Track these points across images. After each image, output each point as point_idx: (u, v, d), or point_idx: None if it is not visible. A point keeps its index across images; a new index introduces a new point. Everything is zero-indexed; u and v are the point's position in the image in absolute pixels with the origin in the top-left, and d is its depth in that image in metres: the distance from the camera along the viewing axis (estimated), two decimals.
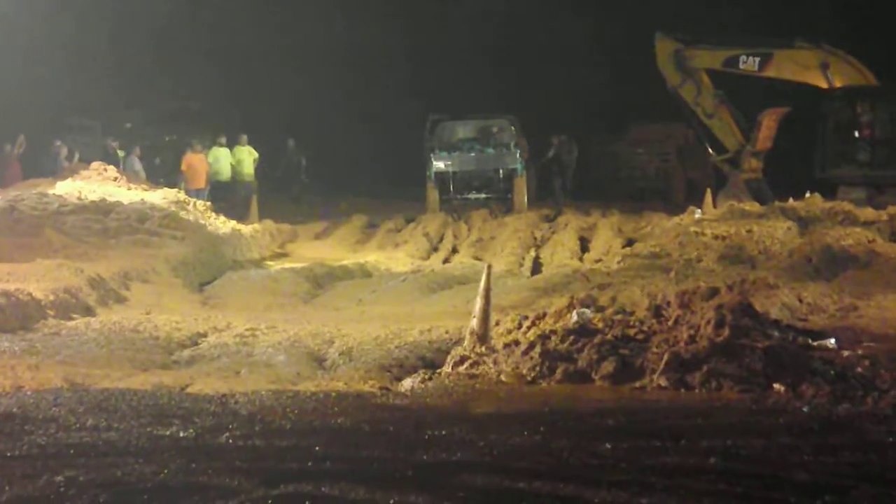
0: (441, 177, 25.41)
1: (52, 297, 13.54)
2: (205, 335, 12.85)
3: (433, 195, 25.51)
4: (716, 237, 18.70)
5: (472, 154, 25.74)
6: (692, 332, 9.15)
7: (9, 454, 6.45)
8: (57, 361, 10.61)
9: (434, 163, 25.42)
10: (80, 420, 7.33)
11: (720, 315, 9.18)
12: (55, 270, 15.07)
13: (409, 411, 7.90)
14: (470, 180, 25.50)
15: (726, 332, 9.00)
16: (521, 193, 25.32)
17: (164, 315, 13.96)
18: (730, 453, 6.46)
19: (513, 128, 26.74)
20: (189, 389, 9.41)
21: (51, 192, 21.39)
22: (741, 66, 26.28)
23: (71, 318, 13.38)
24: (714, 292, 9.87)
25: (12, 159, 26.43)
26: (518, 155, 25.74)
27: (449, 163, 25.39)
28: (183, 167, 27.47)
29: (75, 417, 7.40)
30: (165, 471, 6.02)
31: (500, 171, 25.54)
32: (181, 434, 7.00)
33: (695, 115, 27.49)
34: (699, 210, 23.14)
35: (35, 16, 30.32)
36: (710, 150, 27.81)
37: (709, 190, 25.69)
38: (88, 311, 14.05)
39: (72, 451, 6.50)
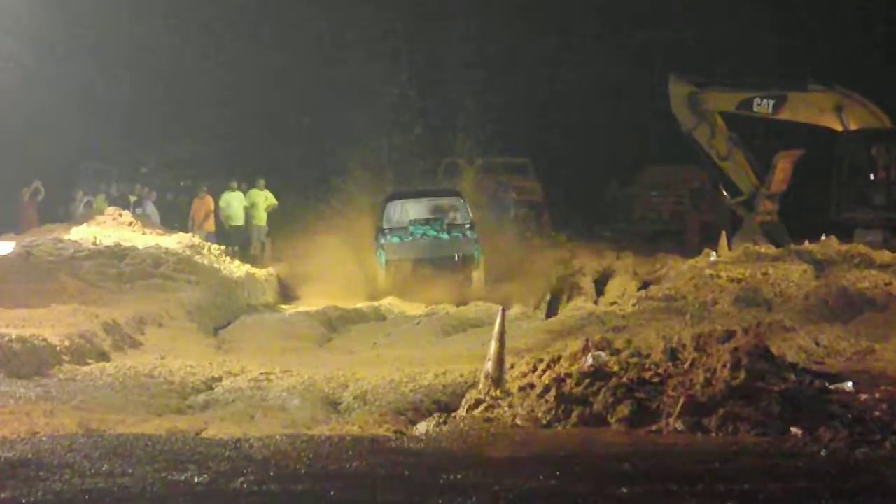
0: (394, 264, 22.57)
1: (67, 343, 13.55)
2: (219, 379, 12.84)
3: (387, 281, 22.40)
4: (731, 280, 18.65)
5: (427, 239, 22.99)
6: (708, 375, 9.11)
7: (24, 500, 6.45)
8: (72, 407, 10.60)
9: (386, 249, 22.55)
10: (96, 466, 7.32)
11: (736, 358, 9.14)
12: (70, 316, 15.09)
13: (424, 455, 7.87)
14: (424, 266, 22.59)
15: (742, 375, 8.97)
16: (480, 280, 22.45)
17: (179, 359, 13.96)
18: (747, 498, 6.42)
19: (467, 206, 23.82)
20: (204, 434, 9.40)
21: (66, 237, 21.49)
22: (755, 108, 26.30)
23: (86, 364, 13.38)
24: (730, 335, 9.83)
25: (28, 205, 26.59)
26: (474, 239, 22.89)
27: (402, 250, 22.70)
28: (192, 212, 27.60)
29: (90, 463, 7.39)
30: None
31: (457, 257, 22.76)
32: (196, 479, 6.99)
33: (709, 157, 27.50)
34: (714, 253, 23.09)
35: (50, 61, 30.58)
36: (724, 193, 27.79)
37: (724, 232, 25.64)
38: (103, 357, 14.05)
39: (87, 497, 6.49)
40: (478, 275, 22.52)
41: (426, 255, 22.68)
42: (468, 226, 23.17)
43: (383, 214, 23.28)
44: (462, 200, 23.93)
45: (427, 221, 23.29)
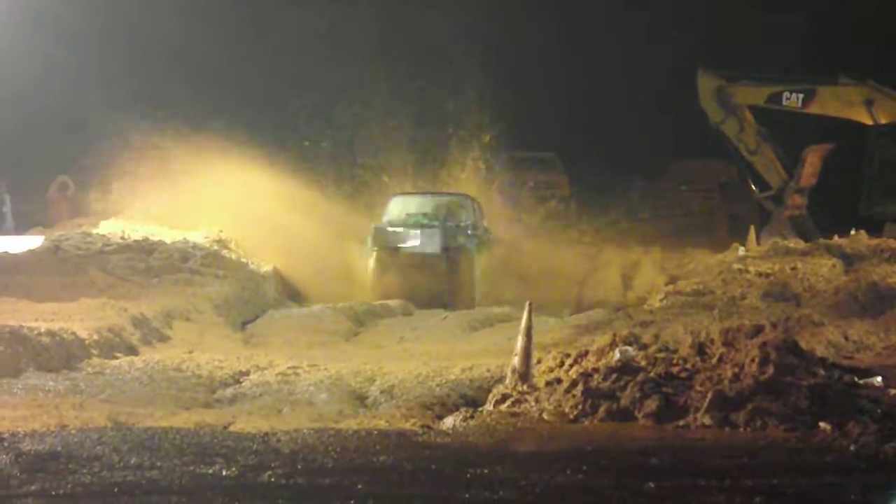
0: (381, 256, 20.80)
1: (95, 337, 13.61)
2: (247, 373, 12.87)
3: (374, 275, 20.69)
4: (759, 274, 18.57)
5: (418, 232, 21.11)
6: (736, 370, 9.09)
7: (53, 493, 6.49)
8: (101, 400, 10.66)
9: (374, 239, 20.90)
10: (124, 459, 7.36)
11: (765, 353, 9.11)
12: (99, 310, 15.16)
13: (450, 449, 7.88)
14: (413, 261, 20.75)
15: (771, 370, 8.93)
16: (470, 283, 20.69)
17: (207, 353, 13.99)
18: (775, 492, 6.40)
19: (474, 207, 22.54)
20: (231, 428, 9.42)
21: (94, 231, 21.58)
22: (784, 102, 26.16)
23: (115, 357, 13.44)
24: (758, 330, 9.79)
25: (56, 199, 26.70)
26: (474, 238, 21.43)
27: (390, 240, 20.94)
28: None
29: (119, 456, 7.43)
30: None
31: (448, 253, 20.89)
32: (224, 472, 7.02)
33: (738, 151, 27.38)
34: (742, 247, 22.99)
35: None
36: (753, 187, 27.67)
37: (752, 227, 25.52)
38: (132, 350, 14.11)
39: (116, 490, 6.53)
40: (469, 276, 20.78)
41: (415, 248, 20.80)
42: (470, 224, 21.72)
43: (384, 211, 22.32)
44: (469, 200, 22.90)
45: (425, 216, 21.78)
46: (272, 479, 6.82)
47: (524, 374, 9.88)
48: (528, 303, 10.68)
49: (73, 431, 8.52)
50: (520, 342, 10.07)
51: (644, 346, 10.25)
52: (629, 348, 9.93)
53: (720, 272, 19.11)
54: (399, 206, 22.45)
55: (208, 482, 6.77)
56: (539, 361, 10.41)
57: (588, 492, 6.48)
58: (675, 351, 9.92)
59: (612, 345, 10.08)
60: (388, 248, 20.86)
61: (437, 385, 11.46)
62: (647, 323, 15.13)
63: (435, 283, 20.39)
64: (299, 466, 7.18)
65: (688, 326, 13.77)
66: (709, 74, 27.52)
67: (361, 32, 32.24)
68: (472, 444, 8.14)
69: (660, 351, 9.96)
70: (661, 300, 17.77)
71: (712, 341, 9.79)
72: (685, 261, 24.58)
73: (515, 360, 10.00)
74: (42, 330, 12.82)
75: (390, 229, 21.17)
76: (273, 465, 7.19)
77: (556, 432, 8.54)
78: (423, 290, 20.13)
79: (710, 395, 8.70)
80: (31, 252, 20.01)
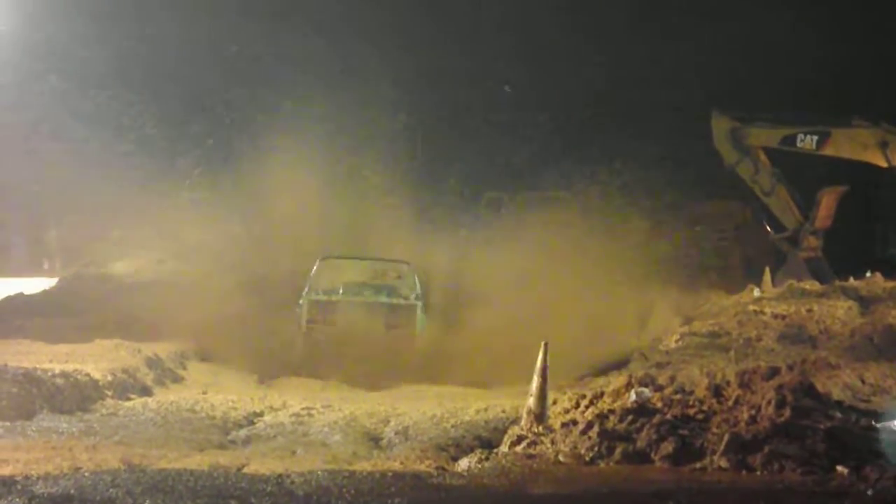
0: (315, 327, 18.21)
1: (109, 378, 13.62)
2: (261, 415, 12.85)
3: (304, 348, 18.02)
4: (775, 316, 18.51)
5: (357, 302, 18.64)
6: (753, 412, 9.04)
7: None
8: (114, 442, 10.64)
9: (306, 309, 18.35)
10: (138, 501, 7.34)
11: (781, 395, 9.07)
12: (113, 350, 15.19)
13: (466, 491, 7.84)
14: (350, 333, 17.88)
15: (787, 412, 8.89)
16: (413, 351, 18.08)
17: (221, 394, 13.99)
18: None
19: (415, 275, 19.74)
20: (246, 469, 9.39)
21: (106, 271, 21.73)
22: (799, 144, 26.15)
23: (128, 399, 13.44)
24: (774, 372, 9.76)
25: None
26: (415, 308, 18.70)
27: (325, 311, 18.41)
28: None
29: (133, 499, 7.41)
30: None
31: (390, 324, 18.37)
32: None
33: (752, 193, 27.38)
34: (758, 289, 22.92)
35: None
36: (768, 228, 27.63)
37: (767, 269, 25.45)
38: (146, 391, 14.12)
39: None
40: (411, 347, 18.10)
41: (353, 319, 18.18)
42: (413, 295, 19.03)
43: (312, 274, 19.21)
44: (409, 268, 19.90)
45: (363, 284, 19.46)
46: None
47: (540, 416, 9.85)
48: (543, 342, 10.64)
49: (86, 474, 8.50)
50: (535, 382, 10.04)
51: (660, 388, 10.21)
52: (645, 390, 9.89)
53: (736, 314, 19.06)
54: (329, 272, 19.63)
55: None
56: (555, 402, 10.38)
57: None
58: (692, 393, 9.88)
59: (628, 386, 10.05)
60: (319, 317, 18.28)
61: (452, 426, 11.43)
62: (663, 364, 15.08)
63: (374, 357, 17.37)
64: None
65: (704, 368, 13.73)
66: (722, 116, 27.59)
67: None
68: (487, 486, 8.09)
69: (676, 392, 9.92)
70: (676, 341, 17.72)
71: (728, 383, 9.76)
72: (700, 302, 24.50)
73: (531, 401, 9.97)
74: (56, 371, 12.83)
75: (321, 296, 18.59)
76: None
77: (572, 474, 8.49)
78: (359, 367, 17.06)
79: (726, 438, 8.65)
80: (45, 293, 20.08)
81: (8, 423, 11.11)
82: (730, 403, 9.39)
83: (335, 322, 18.19)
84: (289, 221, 23.07)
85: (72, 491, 7.63)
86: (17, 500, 7.24)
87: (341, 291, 18.89)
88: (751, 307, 19.49)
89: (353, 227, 23.59)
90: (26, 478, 8.10)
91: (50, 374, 12.67)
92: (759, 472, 8.31)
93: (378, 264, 20.53)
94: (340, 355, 17.34)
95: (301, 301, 18.43)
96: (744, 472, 8.34)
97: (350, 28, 33.21)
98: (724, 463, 8.49)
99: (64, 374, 12.82)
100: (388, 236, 22.98)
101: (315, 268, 19.24)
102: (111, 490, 7.66)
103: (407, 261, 20.30)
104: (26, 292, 21.58)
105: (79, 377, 13.02)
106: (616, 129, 35.33)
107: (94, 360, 14.42)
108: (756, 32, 32.87)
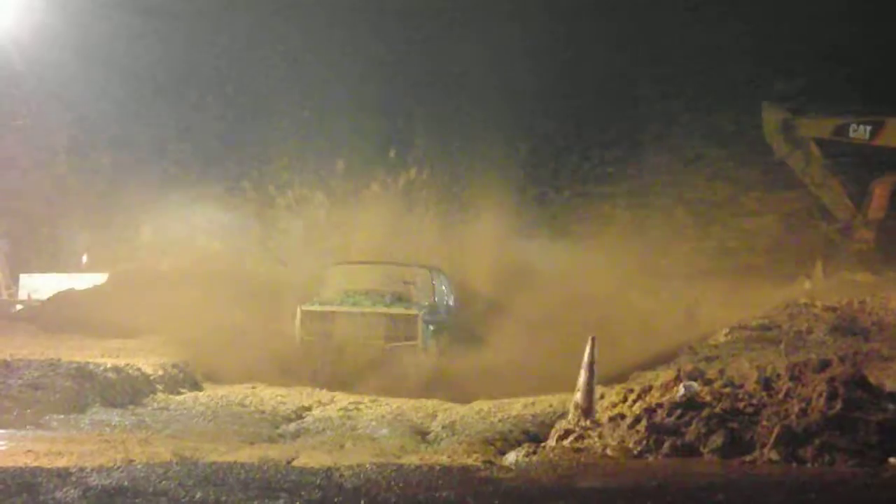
0: (311, 336, 16.62)
1: (160, 372, 13.76)
2: (309, 409, 12.93)
3: (300, 357, 16.31)
4: (827, 308, 18.35)
5: (358, 310, 16.92)
6: (803, 405, 8.97)
7: None
8: (166, 435, 10.74)
9: (302, 318, 16.74)
10: (190, 493, 7.40)
11: (832, 388, 8.99)
12: (163, 345, 15.32)
13: (513, 485, 7.83)
14: (349, 343, 16.37)
15: (839, 405, 8.81)
16: (422, 365, 16.15)
17: (270, 389, 14.08)
18: None
19: (433, 281, 18.34)
20: (295, 463, 9.45)
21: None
22: (851, 134, 25.91)
23: (179, 393, 13.58)
24: (826, 364, 9.67)
25: None
26: (425, 319, 16.92)
27: (322, 320, 16.80)
28: None
29: (185, 491, 7.47)
30: None
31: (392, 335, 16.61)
32: None
33: (804, 184, 27.16)
34: (809, 281, 22.73)
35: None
36: (820, 220, 27.39)
37: (819, 261, 25.23)
38: (196, 386, 14.24)
39: None
40: (418, 360, 16.31)
41: (349, 331, 16.60)
42: (424, 304, 17.41)
43: (321, 281, 18.02)
44: (428, 273, 18.43)
45: (368, 292, 17.48)
46: None
47: (587, 410, 9.83)
48: (591, 337, 10.61)
49: (139, 466, 8.59)
50: (582, 377, 10.02)
51: (709, 382, 10.15)
52: (694, 384, 9.84)
53: (786, 306, 18.91)
54: (338, 278, 18.17)
55: None
56: (602, 396, 10.35)
57: None
58: (741, 386, 9.82)
59: (677, 380, 10.00)
60: (315, 327, 16.72)
61: (499, 420, 11.43)
62: (712, 358, 14.99)
63: (376, 368, 15.87)
64: (362, 502, 7.17)
65: (753, 361, 13.60)
66: (774, 108, 27.38)
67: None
68: (535, 479, 8.09)
69: (725, 386, 9.86)
70: (725, 335, 17.60)
71: (779, 376, 9.68)
72: (750, 295, 24.33)
73: (578, 396, 9.95)
74: (108, 366, 12.99)
75: (320, 304, 17.10)
76: (336, 500, 7.19)
77: (620, 468, 8.47)
78: (360, 379, 15.46)
79: (776, 431, 8.60)
80: (95, 289, 20.29)
81: (62, 416, 11.26)
82: (780, 396, 9.32)
83: (331, 334, 16.61)
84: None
85: (125, 483, 7.71)
86: (72, 491, 7.33)
87: (340, 300, 17.20)
88: (802, 300, 19.34)
89: (396, 233, 22.02)
90: (80, 469, 8.20)
91: (102, 368, 12.83)
92: (810, 465, 8.25)
93: (393, 269, 18.46)
94: (337, 370, 15.73)
95: (300, 309, 16.85)
96: (794, 464, 8.29)
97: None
98: (774, 455, 8.44)
99: (116, 369, 12.96)
100: (432, 236, 22.41)
101: (328, 272, 18.18)
102: (163, 482, 7.73)
103: (427, 265, 18.79)
104: (77, 288, 21.86)
105: (130, 371, 13.17)
106: (659, 122, 35.17)
107: (145, 354, 14.59)
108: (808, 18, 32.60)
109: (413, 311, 16.94)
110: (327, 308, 16.96)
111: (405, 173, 24.34)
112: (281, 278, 20.25)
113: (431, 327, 17.11)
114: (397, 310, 16.96)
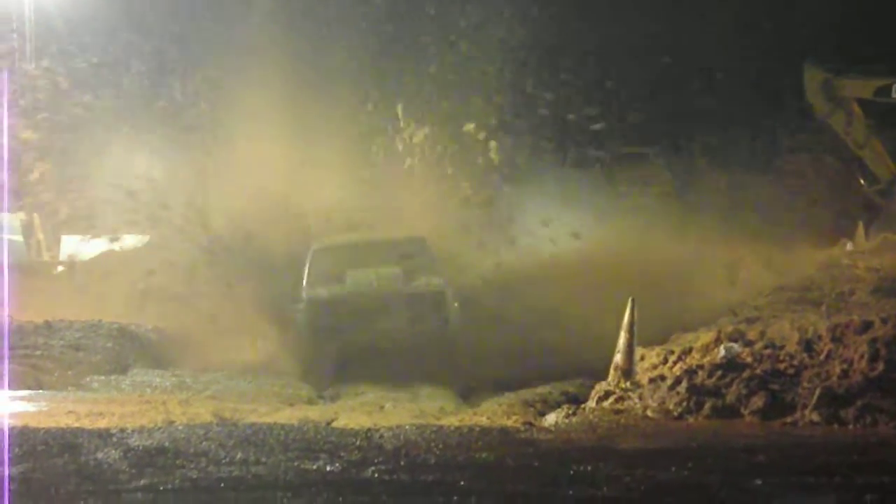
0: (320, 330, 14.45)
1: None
2: None
3: (310, 354, 14.26)
4: (869, 269, 18.19)
5: (371, 292, 14.72)
6: (845, 366, 8.92)
7: (161, 488, 6.57)
8: (206, 396, 10.83)
9: (308, 308, 14.69)
10: (230, 454, 7.44)
11: (874, 349, 8.92)
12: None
13: (553, 446, 7.83)
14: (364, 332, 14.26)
15: (881, 366, 8.75)
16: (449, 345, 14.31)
17: None
18: (887, 491, 6.23)
19: (430, 252, 15.81)
20: (335, 424, 9.50)
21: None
22: (894, 95, 25.60)
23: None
24: (868, 326, 9.59)
25: None
26: (442, 292, 14.85)
27: (332, 309, 14.62)
28: None
29: (225, 452, 7.51)
30: None
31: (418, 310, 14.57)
32: (328, 468, 7.05)
33: (845, 145, 26.88)
34: (851, 242, 22.54)
35: None
36: (861, 181, 27.12)
37: (860, 222, 25.01)
38: None
39: (222, 485, 6.59)
40: (445, 346, 14.24)
41: (368, 318, 14.39)
42: (440, 279, 15.19)
43: (307, 266, 15.36)
44: (424, 242, 15.98)
45: (373, 272, 15.07)
46: (375, 475, 6.84)
47: (627, 371, 9.80)
48: (630, 298, 10.56)
49: (180, 427, 8.65)
50: (622, 339, 9.99)
51: (750, 343, 10.10)
52: (734, 345, 9.80)
53: (828, 268, 18.77)
54: (328, 261, 15.52)
55: (313, 478, 6.81)
56: (642, 358, 10.31)
57: (694, 489, 6.38)
58: (782, 347, 9.76)
59: (717, 341, 9.96)
60: (325, 318, 14.55)
61: (539, 382, 11.42)
62: (753, 319, 14.90)
63: (398, 356, 13.77)
64: (402, 463, 7.18)
65: (794, 323, 13.50)
66: (815, 68, 27.05)
67: None
68: (574, 440, 8.08)
69: (766, 347, 9.81)
70: (766, 296, 17.50)
71: (820, 337, 9.62)
72: (791, 256, 24.16)
73: (618, 357, 9.92)
74: (149, 327, 13.06)
75: (324, 291, 14.88)
76: (376, 461, 7.21)
77: (660, 429, 8.45)
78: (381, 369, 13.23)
79: (818, 392, 8.55)
80: (136, 250, 20.40)
81: (103, 377, 11.38)
82: (821, 357, 9.27)
83: (345, 323, 14.41)
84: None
85: (166, 444, 7.76)
86: (113, 451, 7.39)
87: (348, 283, 14.81)
88: (843, 261, 19.20)
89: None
90: (122, 430, 8.28)
91: (143, 329, 12.91)
92: (851, 427, 8.20)
93: (385, 243, 16.08)
94: (357, 366, 13.57)
95: (300, 301, 14.83)
96: (836, 426, 8.24)
97: None
98: (815, 417, 8.39)
99: (157, 330, 13.05)
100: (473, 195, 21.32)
101: (309, 258, 15.44)
102: (204, 443, 7.78)
103: (420, 236, 16.25)
104: (117, 249, 21.96)
105: (171, 332, 13.25)
106: (701, 84, 34.88)
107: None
108: None
109: (439, 287, 14.75)
110: (338, 292, 14.65)
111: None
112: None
113: (456, 304, 15.01)
114: (418, 287, 14.75)
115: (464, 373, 13.35)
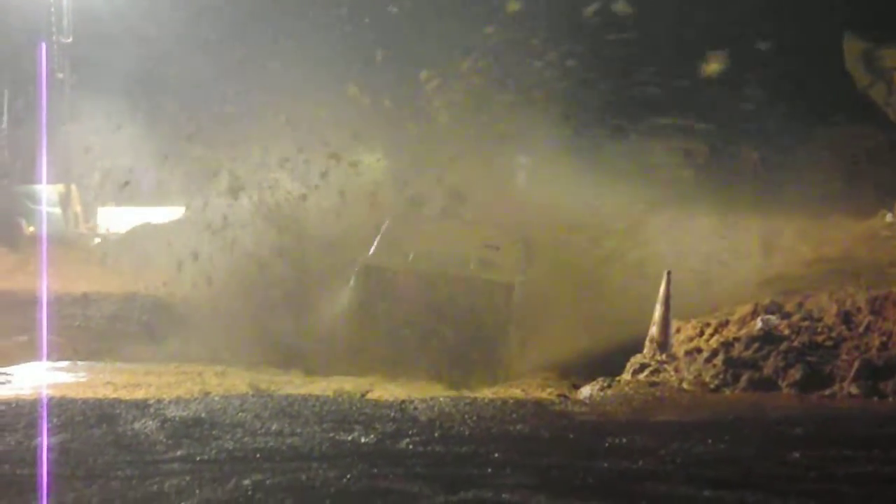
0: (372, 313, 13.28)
1: None
2: None
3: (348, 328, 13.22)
4: None
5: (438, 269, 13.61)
6: (884, 338, 8.85)
7: (198, 458, 6.60)
8: (242, 368, 10.85)
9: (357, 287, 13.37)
10: (265, 425, 7.46)
11: None
12: None
13: (588, 419, 7.80)
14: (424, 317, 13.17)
15: None
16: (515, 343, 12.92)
17: None
18: None
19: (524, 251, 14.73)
20: (369, 395, 9.51)
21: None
22: None
23: None
24: None
25: None
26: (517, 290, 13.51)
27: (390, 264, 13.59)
28: None
29: (260, 422, 7.53)
30: (348, 476, 6.06)
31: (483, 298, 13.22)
32: (362, 439, 7.06)
33: (885, 115, 26.62)
34: (890, 214, 22.31)
35: None
36: None
37: None
38: None
39: (258, 456, 6.61)
40: (506, 341, 12.91)
41: (424, 297, 13.27)
42: (515, 272, 13.81)
43: (378, 237, 14.30)
44: (519, 240, 14.78)
45: (444, 253, 13.87)
46: (410, 447, 6.84)
47: (663, 344, 9.76)
48: (666, 272, 10.50)
49: (216, 398, 8.68)
50: (658, 311, 9.94)
51: (787, 315, 10.03)
52: (772, 317, 9.74)
53: (867, 239, 18.59)
54: (395, 236, 14.31)
55: (347, 449, 6.82)
56: (678, 330, 10.26)
57: (730, 462, 6.34)
58: (820, 319, 9.70)
59: (754, 314, 9.90)
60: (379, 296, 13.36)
61: (574, 354, 11.38)
62: (791, 292, 14.78)
63: (465, 347, 12.78)
64: (436, 434, 7.18)
65: (833, 295, 13.41)
66: (855, 38, 26.76)
67: None
68: (609, 413, 8.05)
69: (804, 319, 9.75)
70: (804, 268, 17.37)
71: (859, 309, 9.55)
72: (830, 228, 23.96)
73: (654, 330, 9.88)
74: (187, 299, 13.10)
75: (376, 273, 13.57)
76: (410, 432, 7.21)
77: (697, 402, 8.41)
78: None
79: (856, 364, 8.48)
80: (172, 222, 20.47)
81: (140, 348, 11.41)
82: (860, 330, 9.20)
83: (398, 298, 13.37)
84: None
85: (202, 414, 7.80)
86: (150, 422, 7.43)
87: (412, 257, 13.80)
88: (883, 233, 19.00)
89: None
90: (158, 401, 8.32)
91: (179, 300, 12.96)
92: (890, 399, 8.15)
93: (474, 228, 15.08)
94: (400, 346, 12.75)
95: (352, 279, 13.66)
96: (875, 398, 8.18)
97: None
98: (854, 389, 8.33)
99: (189, 302, 13.09)
100: (502, 171, 20.97)
101: (384, 228, 14.54)
102: (240, 414, 7.81)
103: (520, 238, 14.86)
104: (154, 222, 22.07)
105: (205, 305, 13.28)
106: (735, 52, 34.53)
107: None
108: None
109: (507, 279, 13.43)
110: (396, 265, 13.61)
111: None
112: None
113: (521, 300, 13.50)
114: (488, 274, 13.48)
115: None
